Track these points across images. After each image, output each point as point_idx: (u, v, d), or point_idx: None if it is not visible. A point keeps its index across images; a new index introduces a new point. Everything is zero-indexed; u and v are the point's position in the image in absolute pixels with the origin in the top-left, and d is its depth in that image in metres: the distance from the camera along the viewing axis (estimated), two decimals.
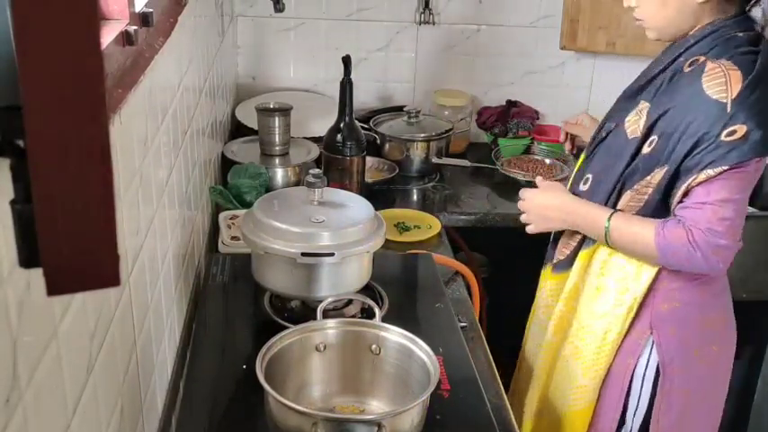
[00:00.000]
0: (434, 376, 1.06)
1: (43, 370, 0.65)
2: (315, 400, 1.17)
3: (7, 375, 0.58)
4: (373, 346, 1.16)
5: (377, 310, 1.17)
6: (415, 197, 2.24)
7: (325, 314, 1.24)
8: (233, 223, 1.72)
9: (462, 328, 1.46)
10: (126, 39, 0.97)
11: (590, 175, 1.55)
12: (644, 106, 1.46)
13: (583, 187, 1.56)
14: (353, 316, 1.37)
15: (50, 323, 0.68)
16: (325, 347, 1.16)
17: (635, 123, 1.46)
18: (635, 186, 1.44)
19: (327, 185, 1.43)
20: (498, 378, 1.42)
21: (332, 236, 1.31)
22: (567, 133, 1.86)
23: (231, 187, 1.89)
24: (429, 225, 1.97)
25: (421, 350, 1.12)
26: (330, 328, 1.18)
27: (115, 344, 0.90)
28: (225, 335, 1.38)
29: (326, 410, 1.13)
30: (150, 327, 1.12)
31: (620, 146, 1.48)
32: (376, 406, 1.17)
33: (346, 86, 1.90)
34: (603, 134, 1.55)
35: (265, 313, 1.40)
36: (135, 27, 0.99)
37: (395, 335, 1.16)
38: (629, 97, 1.55)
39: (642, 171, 1.43)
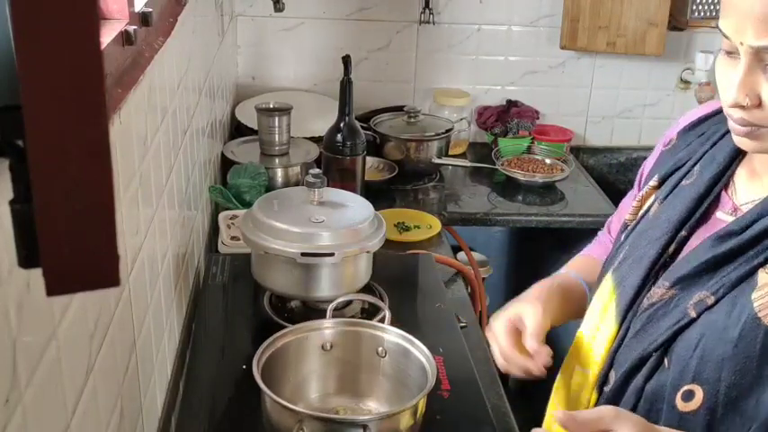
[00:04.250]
0: (432, 378, 1.04)
1: (43, 370, 0.65)
2: (312, 400, 1.17)
3: (7, 375, 0.57)
4: (380, 349, 1.15)
5: (387, 313, 1.15)
6: (415, 197, 2.24)
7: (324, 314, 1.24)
8: (233, 223, 1.72)
9: (462, 328, 1.46)
10: (126, 38, 0.97)
11: (695, 388, 0.89)
12: None
13: (684, 405, 0.90)
14: (353, 316, 1.37)
15: (50, 323, 0.68)
16: (331, 347, 1.16)
17: None
18: None
19: (327, 185, 1.43)
20: (498, 378, 1.41)
21: (332, 236, 1.31)
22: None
23: (231, 187, 1.89)
24: (429, 225, 1.97)
25: (419, 351, 1.11)
26: (330, 328, 1.17)
27: (115, 344, 0.90)
28: (224, 335, 1.37)
29: (320, 410, 1.12)
30: (150, 327, 1.12)
31: (750, 339, 0.85)
32: (372, 407, 1.16)
33: (346, 86, 1.90)
34: (693, 314, 0.91)
35: (265, 313, 1.40)
36: (135, 27, 0.99)
37: (393, 335, 1.15)
38: (719, 256, 0.91)
39: None
